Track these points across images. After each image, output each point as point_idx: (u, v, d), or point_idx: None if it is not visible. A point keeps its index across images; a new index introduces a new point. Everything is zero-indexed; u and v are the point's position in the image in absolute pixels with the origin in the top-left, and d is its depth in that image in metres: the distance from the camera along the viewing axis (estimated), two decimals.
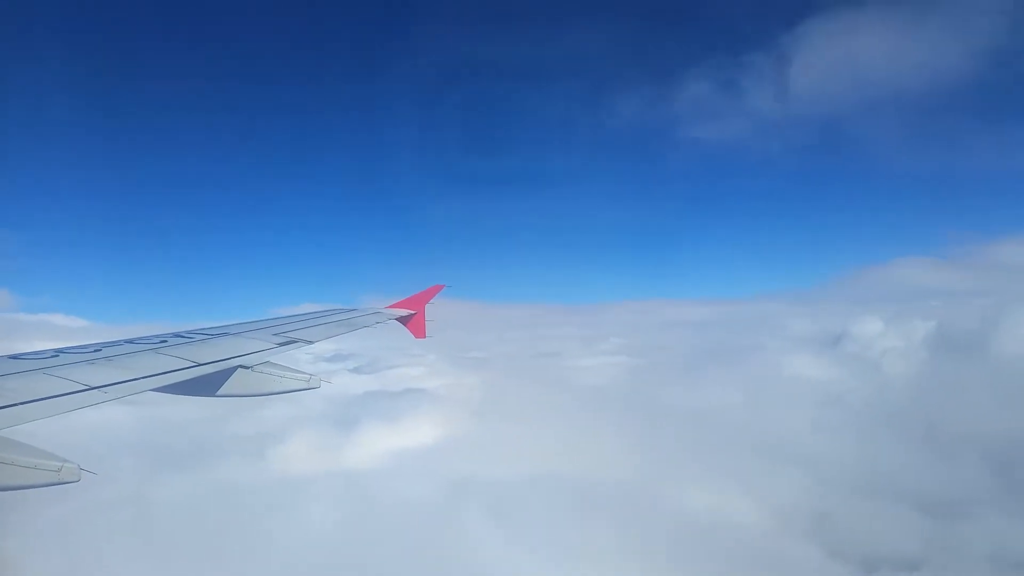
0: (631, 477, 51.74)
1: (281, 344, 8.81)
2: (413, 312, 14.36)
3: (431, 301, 14.91)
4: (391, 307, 14.52)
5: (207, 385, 7.11)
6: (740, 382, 78.85)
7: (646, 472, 52.95)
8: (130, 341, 7.85)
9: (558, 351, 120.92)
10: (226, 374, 7.25)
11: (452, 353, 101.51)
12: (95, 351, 7.02)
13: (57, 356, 6.59)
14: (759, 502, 48.13)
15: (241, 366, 7.42)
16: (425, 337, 14.50)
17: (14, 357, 6.38)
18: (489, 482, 49.77)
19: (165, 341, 8.00)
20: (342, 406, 70.40)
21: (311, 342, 9.45)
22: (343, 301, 13.83)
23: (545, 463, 53.55)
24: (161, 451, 51.90)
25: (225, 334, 8.97)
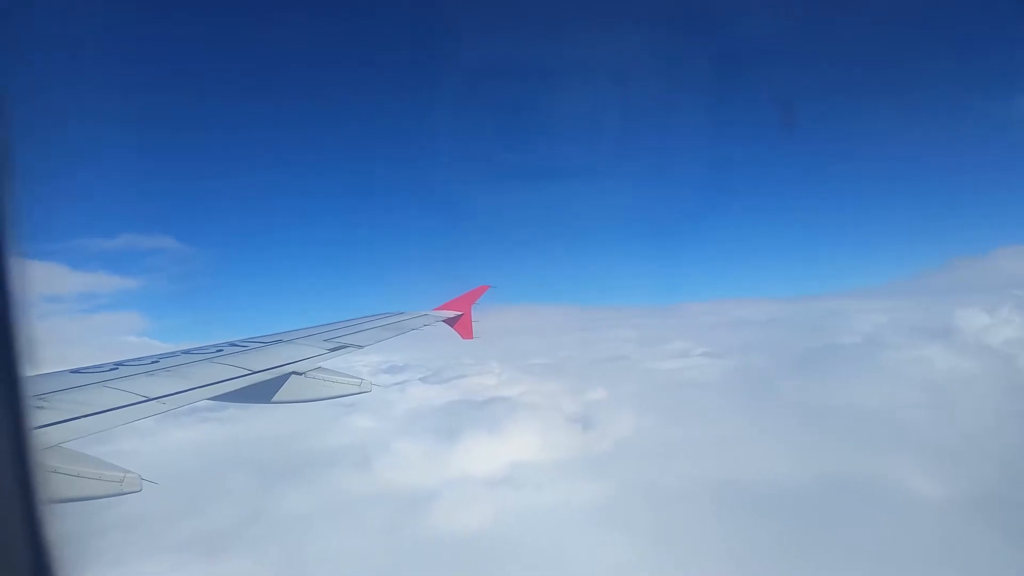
0: (844, 477, 48.75)
1: (332, 350, 8.86)
2: (460, 313, 14.33)
3: (477, 302, 14.87)
4: (437, 309, 14.52)
5: (262, 392, 7.17)
6: (882, 378, 72.32)
7: (850, 470, 49.75)
8: (186, 352, 7.97)
9: (622, 354, 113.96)
10: (280, 381, 7.31)
11: (511, 360, 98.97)
12: (153, 362, 7.13)
13: (116, 369, 6.70)
14: (969, 497, 45.22)
15: (294, 372, 7.48)
16: (473, 338, 14.45)
17: (75, 371, 6.51)
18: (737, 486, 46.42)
19: (220, 350, 8.09)
20: (434, 416, 68.40)
21: (361, 346, 9.48)
22: (388, 308, 13.88)
23: (750, 466, 50.84)
24: (269, 465, 51.50)
25: (278, 342, 9.05)
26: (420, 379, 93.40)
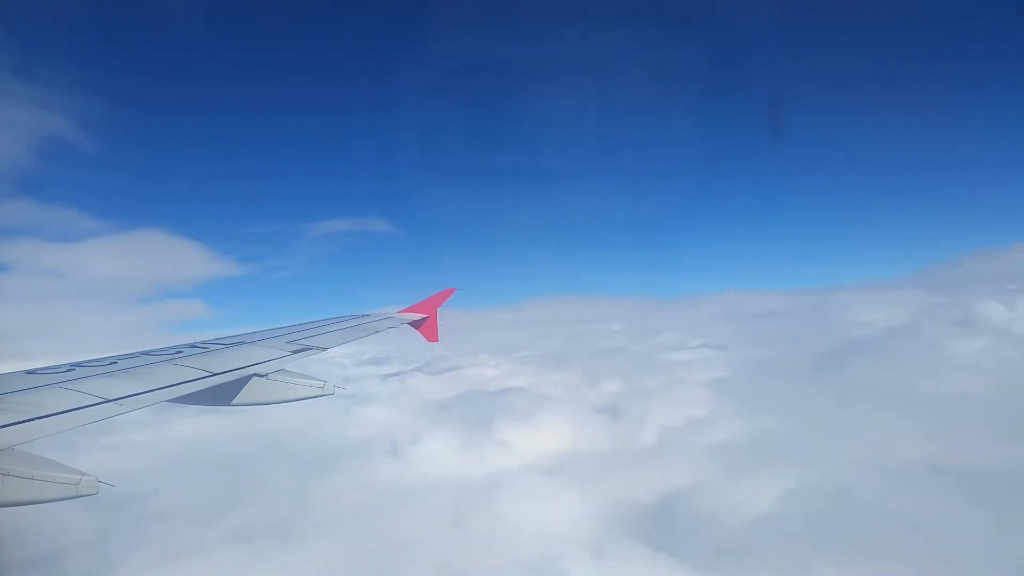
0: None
1: (295, 352, 8.84)
2: (425, 316, 14.35)
3: (443, 304, 14.91)
4: (403, 311, 14.53)
5: (222, 395, 7.14)
6: (912, 366, 69.22)
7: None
8: (146, 353, 7.90)
9: (615, 347, 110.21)
10: (241, 383, 7.28)
11: (500, 354, 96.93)
12: (111, 363, 7.06)
13: (73, 370, 6.62)
14: None
15: (256, 374, 7.45)
16: (438, 340, 14.49)
17: (31, 372, 6.42)
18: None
19: (180, 352, 8.03)
20: (455, 407, 65.94)
21: (325, 348, 9.47)
22: (354, 310, 13.87)
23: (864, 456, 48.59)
24: (303, 455, 49.88)
25: (240, 343, 9.01)
26: (415, 370, 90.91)
